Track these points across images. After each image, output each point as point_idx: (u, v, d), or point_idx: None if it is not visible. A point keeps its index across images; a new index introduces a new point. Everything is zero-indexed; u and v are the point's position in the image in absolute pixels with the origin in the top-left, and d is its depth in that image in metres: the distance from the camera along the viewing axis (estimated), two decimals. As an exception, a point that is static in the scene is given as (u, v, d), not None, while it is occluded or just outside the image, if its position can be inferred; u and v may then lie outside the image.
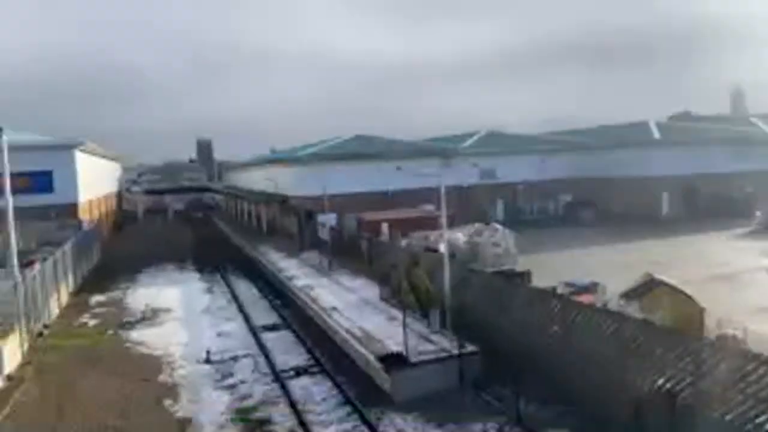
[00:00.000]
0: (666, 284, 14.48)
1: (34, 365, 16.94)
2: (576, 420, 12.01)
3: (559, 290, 17.11)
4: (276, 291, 26.91)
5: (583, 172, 47.85)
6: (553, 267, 22.75)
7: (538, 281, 19.13)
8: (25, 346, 18.16)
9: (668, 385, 10.47)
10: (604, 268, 21.27)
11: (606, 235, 35.25)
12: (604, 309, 13.29)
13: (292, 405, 13.71)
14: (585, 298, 15.72)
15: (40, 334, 19.83)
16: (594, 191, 46.63)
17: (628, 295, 14.83)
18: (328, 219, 31.08)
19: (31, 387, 15.33)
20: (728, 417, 9.43)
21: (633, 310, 13.79)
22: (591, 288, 17.50)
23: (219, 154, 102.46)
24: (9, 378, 15.60)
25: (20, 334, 17.74)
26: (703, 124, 56.71)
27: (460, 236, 23.64)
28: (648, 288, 14.65)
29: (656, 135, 45.69)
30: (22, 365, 16.87)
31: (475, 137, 50.00)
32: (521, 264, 22.64)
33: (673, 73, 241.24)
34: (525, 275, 20.06)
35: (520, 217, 44.50)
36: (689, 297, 14.07)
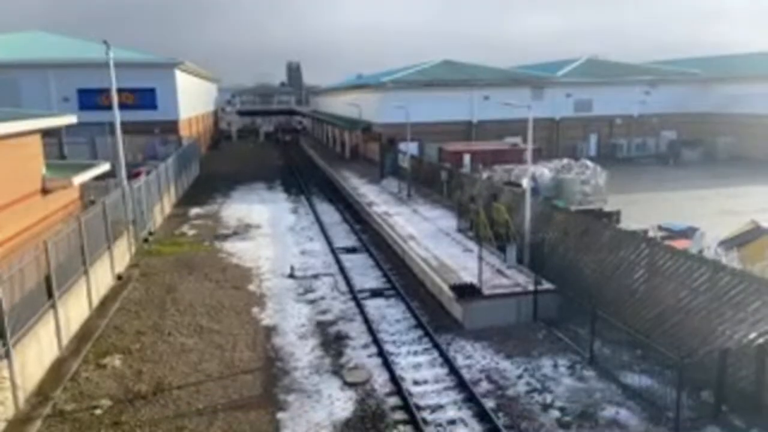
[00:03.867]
0: (773, 234, 13.25)
1: (140, 267, 18.82)
2: (652, 365, 11.66)
3: (652, 234, 16.20)
4: (356, 215, 27.60)
5: (693, 107, 43.69)
6: (648, 209, 21.47)
7: (629, 223, 18.18)
8: (133, 249, 20.15)
9: (761, 340, 9.81)
10: (705, 213, 19.79)
11: (712, 177, 32.51)
12: (697, 256, 12.44)
13: (367, 323, 14.36)
14: (680, 244, 14.76)
15: (146, 240, 21.84)
16: (702, 129, 42.63)
17: (728, 243, 13.77)
18: (410, 147, 30.89)
19: (138, 286, 17.14)
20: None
21: (731, 258, 12.83)
22: (688, 233, 16.39)
23: (308, 78, 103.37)
24: (119, 277, 17.49)
25: (128, 239, 19.66)
26: None
27: (545, 171, 22.81)
28: (751, 237, 13.49)
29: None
30: (130, 266, 18.81)
31: (573, 65, 46.62)
32: (612, 204, 21.57)
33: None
34: (613, 215, 19.13)
35: (615, 154, 41.96)
36: (799, 250, 12.82)
